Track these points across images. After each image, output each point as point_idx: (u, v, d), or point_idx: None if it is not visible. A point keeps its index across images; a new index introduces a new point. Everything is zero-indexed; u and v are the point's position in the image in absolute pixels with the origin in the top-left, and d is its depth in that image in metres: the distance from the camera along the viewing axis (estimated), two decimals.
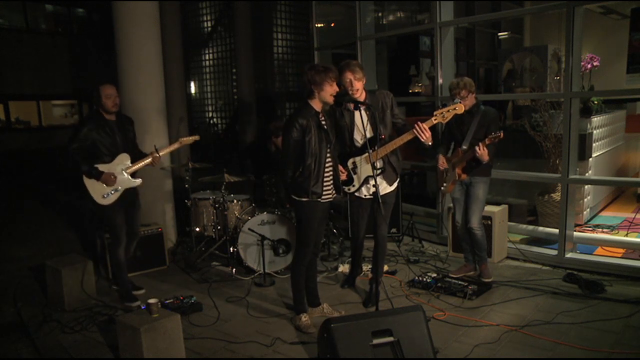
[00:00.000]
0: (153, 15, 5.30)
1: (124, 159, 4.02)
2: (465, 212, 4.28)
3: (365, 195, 3.87)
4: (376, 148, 3.62)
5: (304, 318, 3.60)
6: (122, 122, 4.08)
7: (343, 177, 3.80)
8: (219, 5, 14.62)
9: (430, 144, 3.56)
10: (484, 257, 4.33)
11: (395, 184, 3.88)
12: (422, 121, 3.56)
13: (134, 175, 4.10)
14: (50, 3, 16.37)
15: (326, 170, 3.50)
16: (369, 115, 3.62)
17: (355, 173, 3.84)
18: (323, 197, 3.51)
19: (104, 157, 3.96)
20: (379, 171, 3.72)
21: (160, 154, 4.12)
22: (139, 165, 4.07)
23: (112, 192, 3.96)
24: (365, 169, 3.79)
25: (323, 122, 3.47)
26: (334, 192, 3.62)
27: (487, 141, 3.91)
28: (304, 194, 3.44)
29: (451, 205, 5.13)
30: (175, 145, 4.24)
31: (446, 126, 4.32)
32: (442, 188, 4.34)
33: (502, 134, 3.88)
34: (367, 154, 3.71)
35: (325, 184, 3.50)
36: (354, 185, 3.87)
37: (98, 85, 3.94)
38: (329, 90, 3.39)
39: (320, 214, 3.57)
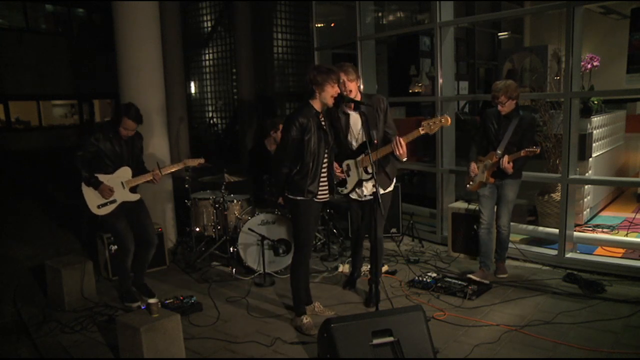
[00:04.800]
0: (153, 15, 5.29)
1: (125, 173, 4.02)
2: (495, 211, 4.31)
3: (360, 197, 3.89)
4: (368, 152, 3.55)
5: (305, 320, 3.59)
6: (132, 136, 4.06)
7: (342, 176, 3.83)
8: (219, 5, 14.61)
9: (404, 159, 3.60)
10: (504, 256, 4.45)
11: (390, 188, 3.90)
12: (421, 122, 3.56)
13: (133, 189, 4.09)
14: (50, 3, 16.38)
15: (323, 170, 3.52)
16: (363, 119, 3.57)
17: (349, 176, 3.86)
18: (318, 196, 3.52)
19: (107, 167, 3.96)
20: (369, 176, 3.70)
21: (162, 172, 4.11)
22: (139, 180, 4.07)
23: (108, 203, 3.95)
24: (357, 173, 3.81)
25: (323, 123, 3.49)
26: (328, 193, 3.64)
27: (522, 153, 3.89)
28: (299, 193, 3.45)
29: (451, 205, 5.15)
30: (179, 166, 4.23)
31: (482, 127, 4.29)
32: (468, 186, 4.35)
33: (538, 150, 3.87)
34: (359, 158, 3.76)
35: (321, 183, 3.52)
36: (346, 188, 3.89)
37: (125, 112, 3.89)
38: (330, 92, 3.40)
39: (315, 212, 3.59)
